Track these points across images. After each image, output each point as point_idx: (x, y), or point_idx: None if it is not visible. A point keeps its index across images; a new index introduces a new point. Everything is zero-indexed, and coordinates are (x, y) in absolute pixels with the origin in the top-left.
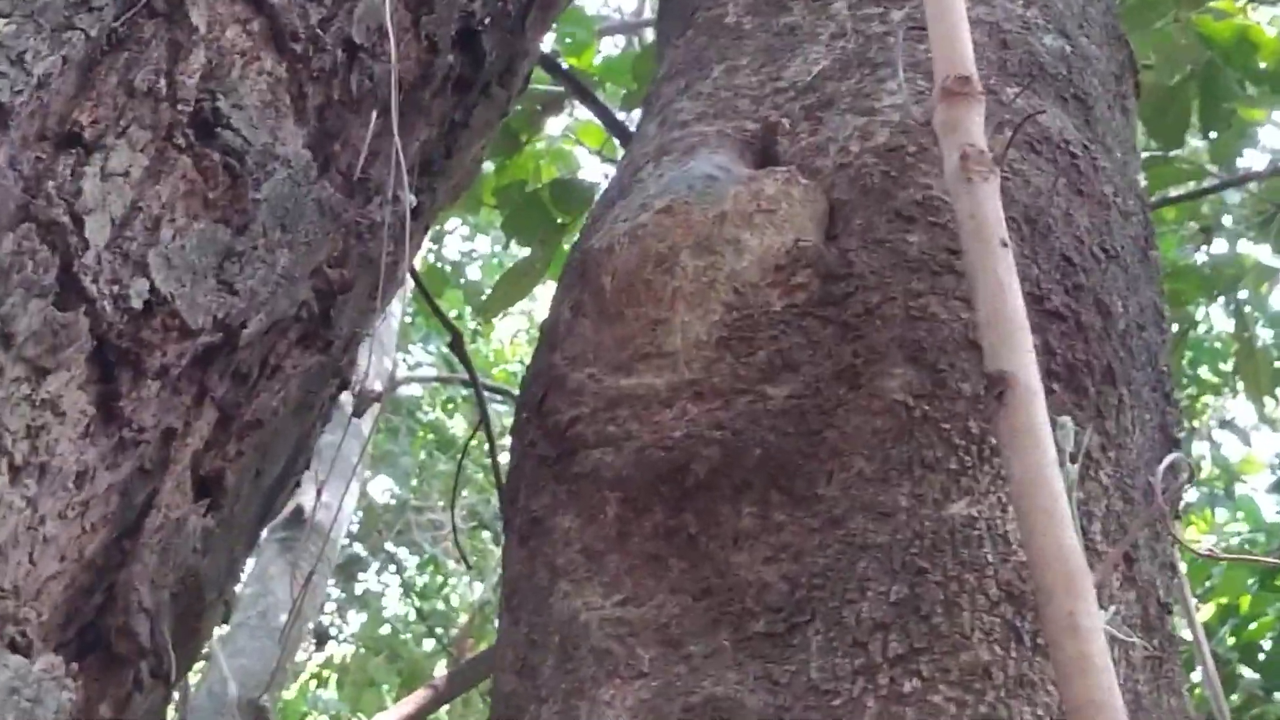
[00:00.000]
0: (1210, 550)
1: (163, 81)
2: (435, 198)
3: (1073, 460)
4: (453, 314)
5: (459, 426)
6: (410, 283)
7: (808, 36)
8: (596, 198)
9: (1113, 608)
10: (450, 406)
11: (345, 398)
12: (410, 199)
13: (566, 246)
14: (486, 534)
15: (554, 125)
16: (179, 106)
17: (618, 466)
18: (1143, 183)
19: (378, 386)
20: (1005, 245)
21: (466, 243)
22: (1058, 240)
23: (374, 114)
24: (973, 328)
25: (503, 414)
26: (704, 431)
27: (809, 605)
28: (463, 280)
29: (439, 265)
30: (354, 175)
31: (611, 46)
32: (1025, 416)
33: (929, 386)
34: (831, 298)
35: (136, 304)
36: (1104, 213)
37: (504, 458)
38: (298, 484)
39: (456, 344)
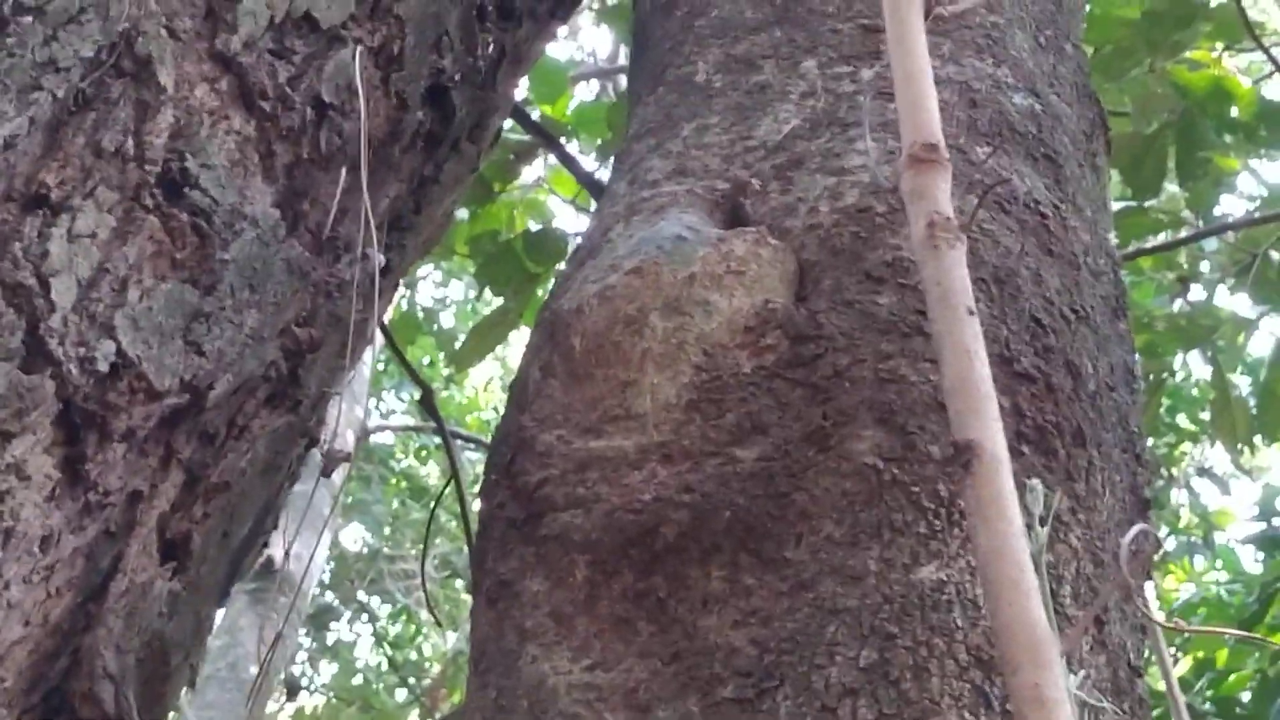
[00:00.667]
0: (1176, 621)
1: (130, 141)
2: (405, 254)
3: (1042, 523)
4: (425, 361)
5: (432, 474)
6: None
7: (778, 95)
8: (570, 249)
9: (1083, 672)
10: (423, 454)
11: (316, 451)
12: (379, 256)
13: (541, 294)
14: (459, 583)
15: (528, 173)
16: (146, 166)
17: (587, 529)
18: (1113, 239)
19: (349, 438)
20: (972, 313)
21: (440, 289)
22: (1027, 301)
23: (343, 171)
24: (942, 391)
25: (475, 462)
26: (673, 494)
27: (778, 670)
28: (436, 327)
29: (412, 311)
30: (323, 233)
31: (587, 93)
32: (992, 486)
33: (899, 449)
34: (801, 359)
35: (103, 366)
36: (1074, 273)
37: (477, 507)
38: (265, 544)
39: (426, 399)
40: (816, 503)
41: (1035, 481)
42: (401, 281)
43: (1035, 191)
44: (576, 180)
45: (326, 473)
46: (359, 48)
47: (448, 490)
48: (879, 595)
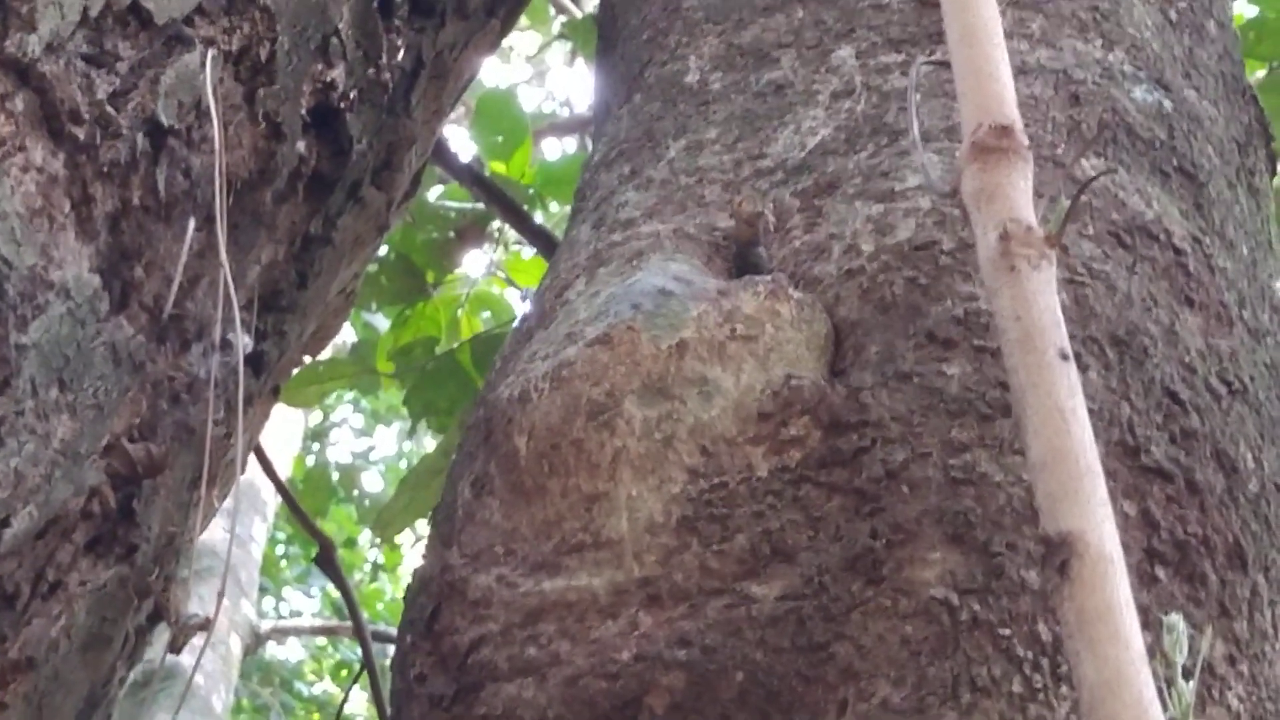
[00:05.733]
0: None
1: None
2: (285, 344)
3: (1186, 676)
4: (340, 538)
5: (359, 703)
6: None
7: (801, 97)
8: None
9: None
10: (345, 675)
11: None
12: (247, 342)
13: None
14: None
15: (476, 261)
16: None
17: (541, 704)
18: None
19: (234, 644)
20: (1066, 357)
21: (362, 439)
22: (1158, 369)
23: (191, 224)
24: (1027, 467)
25: None
26: (663, 650)
27: None
28: (356, 491)
29: (322, 469)
30: (164, 310)
31: (558, 152)
32: (1099, 595)
33: (979, 577)
34: (839, 456)
35: None
36: (1225, 330)
37: None
38: None
39: (324, 555)
40: (866, 656)
41: (1175, 617)
42: (302, 421)
43: (1166, 218)
44: (541, 252)
45: (176, 648)
46: (211, 51)
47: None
48: None
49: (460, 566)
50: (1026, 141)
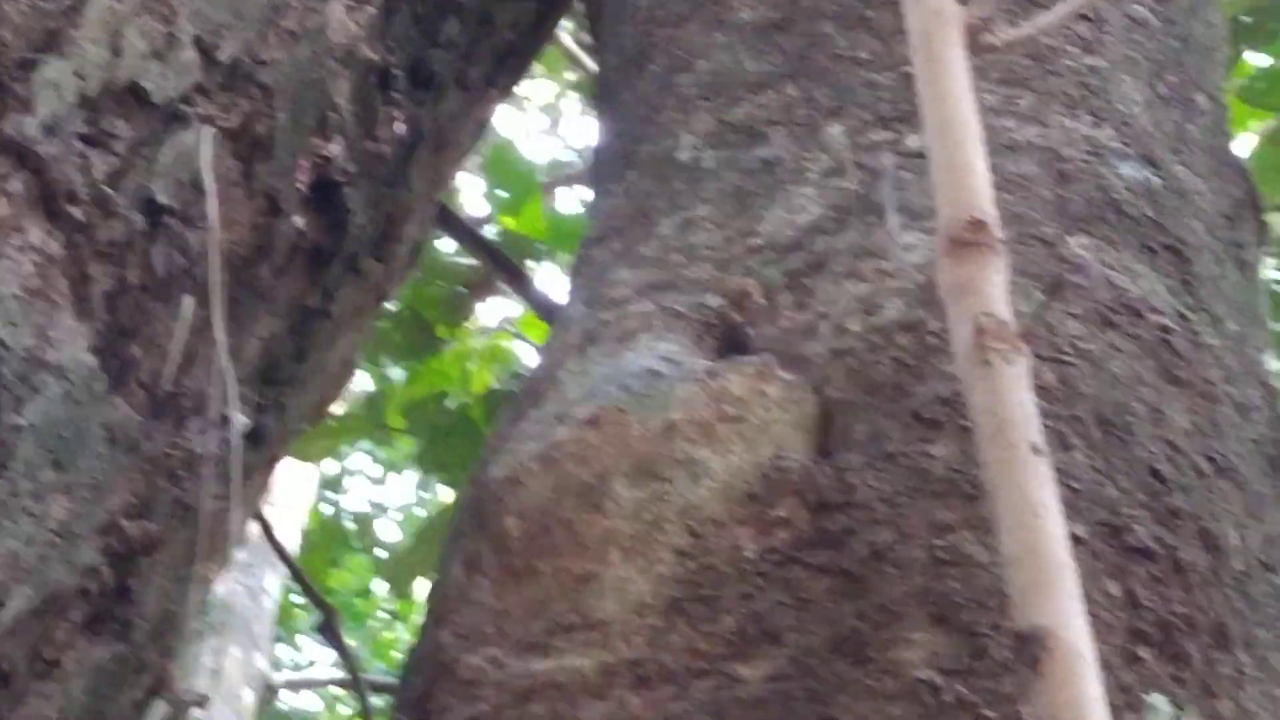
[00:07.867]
0: None
1: None
2: (285, 417)
3: None
4: (355, 587)
5: None
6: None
7: (792, 175)
8: None
9: None
10: None
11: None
12: (243, 420)
13: None
14: None
15: (488, 311)
16: None
17: None
18: (1271, 362)
19: (246, 697)
20: (1039, 452)
21: (376, 488)
22: (1143, 448)
23: (189, 301)
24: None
25: None
26: None
27: None
28: (370, 541)
29: (336, 520)
30: (161, 389)
31: (574, 204)
32: (1069, 691)
33: (964, 658)
34: (826, 537)
35: None
36: (1210, 408)
37: None
38: None
39: (329, 625)
40: None
41: (1158, 698)
42: (316, 470)
43: (1153, 296)
44: (541, 317)
45: None
46: (208, 129)
47: None
48: None
49: (452, 646)
50: (1001, 235)
